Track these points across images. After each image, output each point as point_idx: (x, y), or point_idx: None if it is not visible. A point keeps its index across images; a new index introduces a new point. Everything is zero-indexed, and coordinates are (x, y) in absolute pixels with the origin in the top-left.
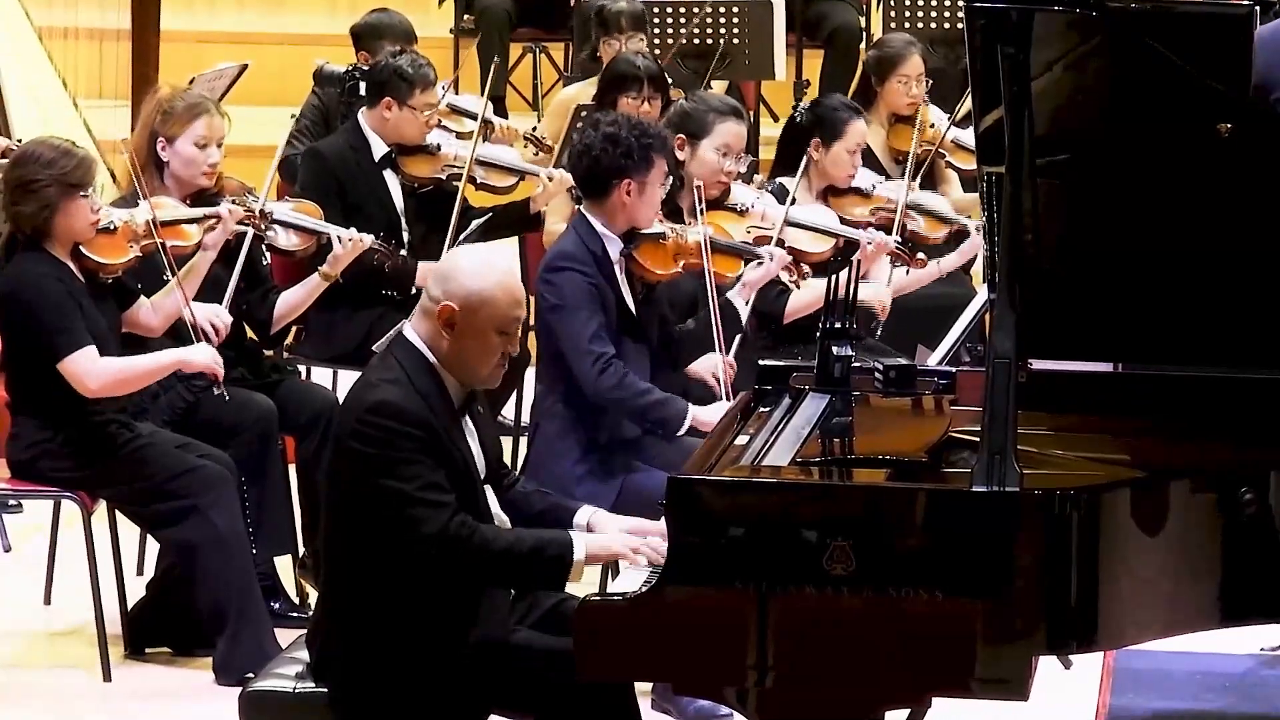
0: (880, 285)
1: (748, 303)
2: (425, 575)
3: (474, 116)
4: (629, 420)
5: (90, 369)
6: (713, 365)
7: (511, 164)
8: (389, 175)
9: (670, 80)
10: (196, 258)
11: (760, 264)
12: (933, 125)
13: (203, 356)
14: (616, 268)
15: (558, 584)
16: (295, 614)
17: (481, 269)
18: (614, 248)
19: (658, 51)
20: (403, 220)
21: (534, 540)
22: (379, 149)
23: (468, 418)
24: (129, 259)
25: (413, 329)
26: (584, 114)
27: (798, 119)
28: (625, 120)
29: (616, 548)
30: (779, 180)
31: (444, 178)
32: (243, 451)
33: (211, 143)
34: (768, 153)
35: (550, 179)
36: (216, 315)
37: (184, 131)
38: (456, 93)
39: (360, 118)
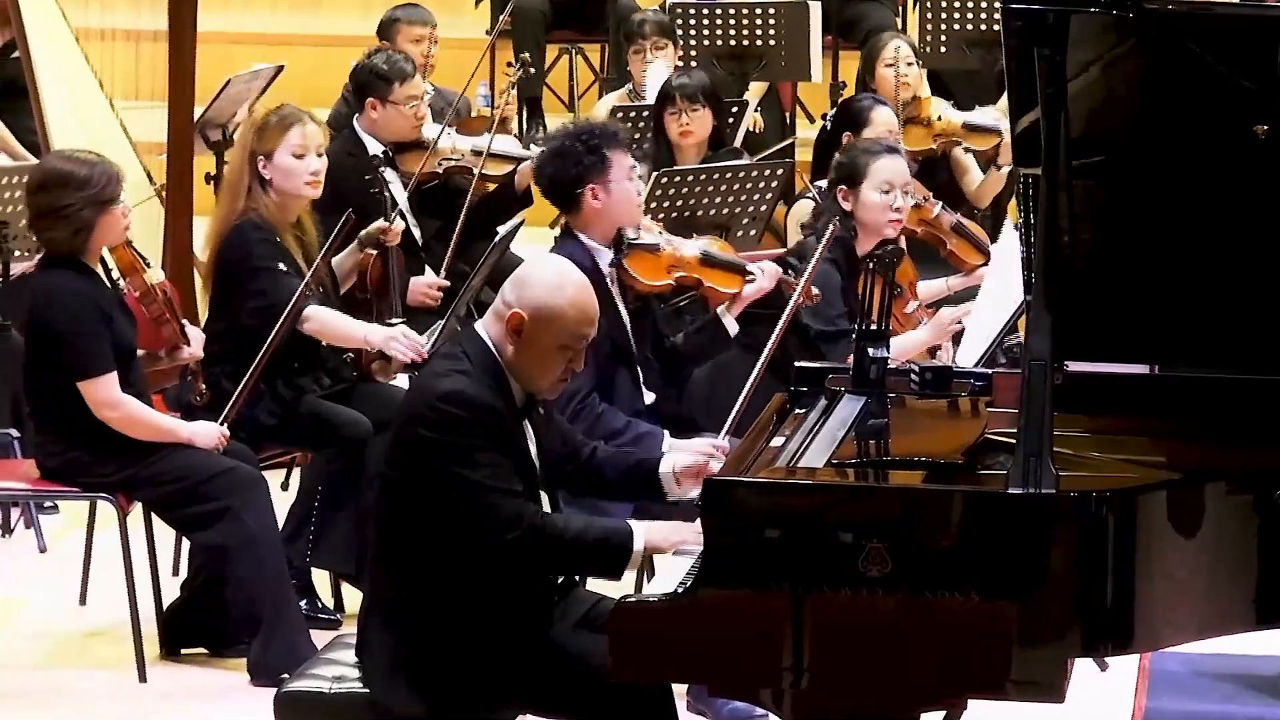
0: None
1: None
2: (481, 566)
3: (516, 160)
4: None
5: (107, 399)
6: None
7: (511, 152)
8: (390, 174)
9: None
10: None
11: (753, 280)
12: (939, 117)
13: (207, 440)
14: (609, 280)
15: (617, 573)
16: (325, 615)
17: (557, 282)
18: (603, 260)
19: (693, 54)
20: (410, 218)
21: (600, 530)
22: (374, 149)
23: (527, 422)
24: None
25: (484, 326)
26: (618, 116)
27: (826, 127)
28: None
29: (679, 537)
30: (819, 184)
31: (441, 170)
32: (332, 461)
33: (309, 151)
34: (804, 154)
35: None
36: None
37: (279, 144)
38: (491, 99)
39: (355, 123)
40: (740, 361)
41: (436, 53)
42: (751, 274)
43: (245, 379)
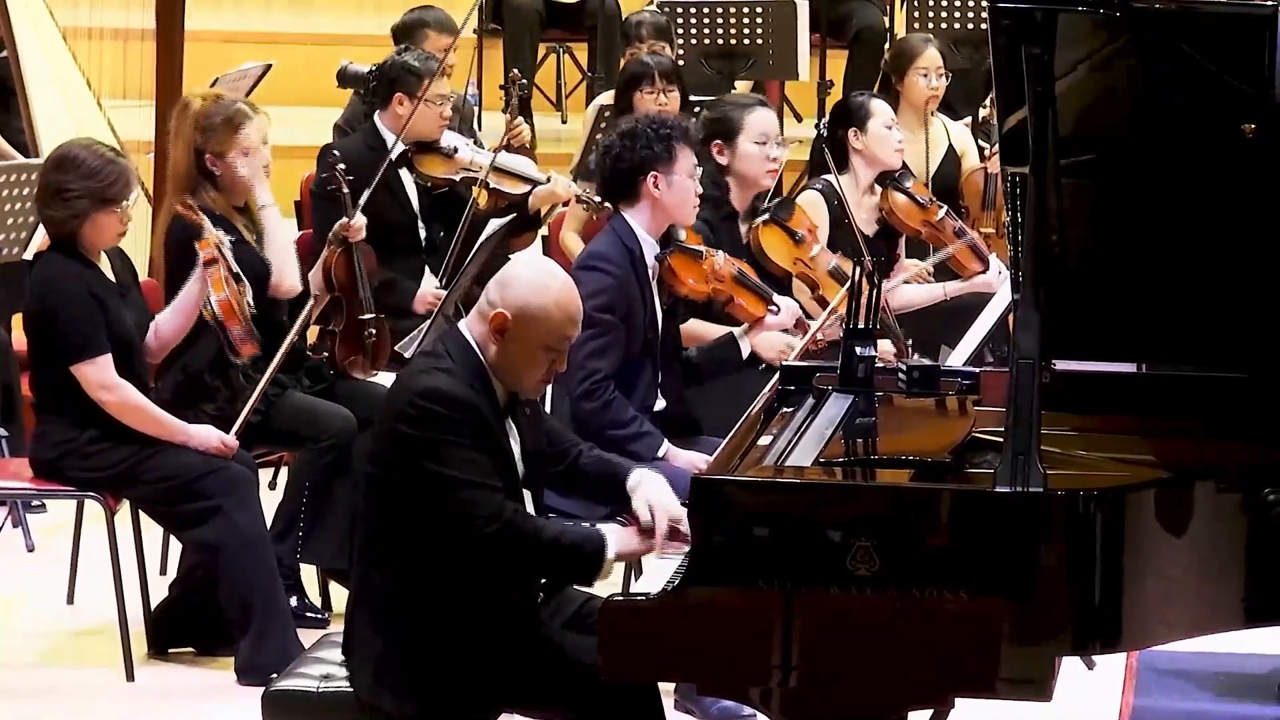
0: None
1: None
2: (465, 563)
3: (533, 182)
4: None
5: (102, 380)
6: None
7: (526, 172)
8: (405, 174)
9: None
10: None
11: (775, 313)
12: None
13: (207, 442)
14: (650, 272)
15: (589, 580)
16: (313, 614)
17: (542, 283)
18: (650, 252)
19: (681, 53)
20: (419, 219)
21: (575, 536)
22: (397, 148)
23: (510, 419)
24: None
25: (467, 325)
26: (606, 114)
27: (822, 131)
28: (643, 116)
29: (644, 547)
30: (824, 178)
31: (458, 179)
32: (320, 457)
33: (257, 144)
34: (793, 153)
35: (549, 180)
36: None
37: (232, 145)
38: (480, 93)
39: (376, 119)
40: (748, 371)
41: (454, 61)
42: (776, 306)
43: (257, 390)
